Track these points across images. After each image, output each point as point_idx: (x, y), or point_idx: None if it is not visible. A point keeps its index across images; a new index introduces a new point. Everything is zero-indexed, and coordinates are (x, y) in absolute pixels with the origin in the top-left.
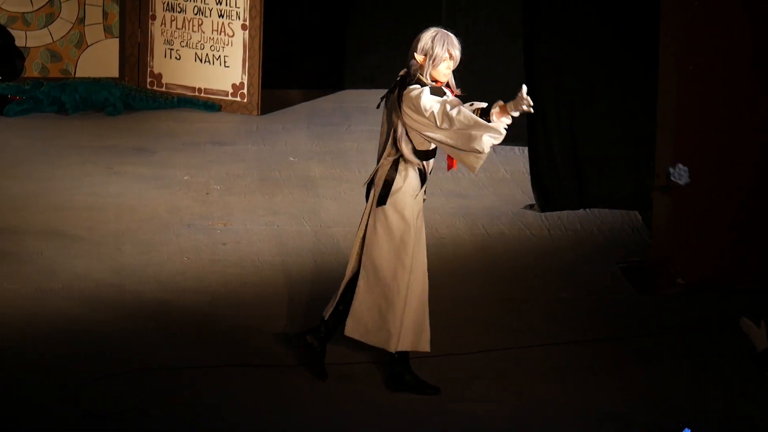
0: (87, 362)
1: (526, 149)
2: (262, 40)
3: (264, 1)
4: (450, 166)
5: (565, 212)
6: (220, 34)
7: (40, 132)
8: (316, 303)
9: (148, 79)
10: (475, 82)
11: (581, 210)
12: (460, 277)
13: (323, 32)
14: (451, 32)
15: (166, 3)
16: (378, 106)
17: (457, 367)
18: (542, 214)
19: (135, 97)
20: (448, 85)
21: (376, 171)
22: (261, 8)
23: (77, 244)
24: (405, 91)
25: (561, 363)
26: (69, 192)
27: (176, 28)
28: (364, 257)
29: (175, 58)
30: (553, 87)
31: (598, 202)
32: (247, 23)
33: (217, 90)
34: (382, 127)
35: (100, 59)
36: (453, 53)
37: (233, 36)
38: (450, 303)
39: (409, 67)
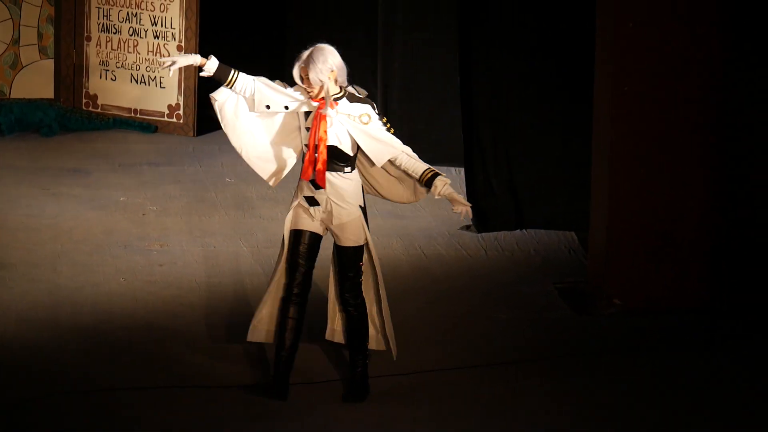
0: (23, 383)
1: (462, 170)
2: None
3: (200, 22)
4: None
5: (501, 233)
6: (156, 54)
7: None
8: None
9: (84, 100)
10: (416, 101)
11: (518, 231)
12: (397, 296)
13: (258, 53)
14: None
15: (101, 24)
16: None
17: (394, 388)
18: (479, 234)
19: (70, 118)
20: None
21: None
22: (196, 29)
23: (13, 266)
24: None
25: (497, 382)
26: (4, 213)
27: (111, 49)
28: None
29: (111, 79)
30: (488, 108)
31: (534, 223)
32: (183, 44)
33: (153, 111)
34: None
35: (35, 80)
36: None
37: (169, 56)
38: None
39: None
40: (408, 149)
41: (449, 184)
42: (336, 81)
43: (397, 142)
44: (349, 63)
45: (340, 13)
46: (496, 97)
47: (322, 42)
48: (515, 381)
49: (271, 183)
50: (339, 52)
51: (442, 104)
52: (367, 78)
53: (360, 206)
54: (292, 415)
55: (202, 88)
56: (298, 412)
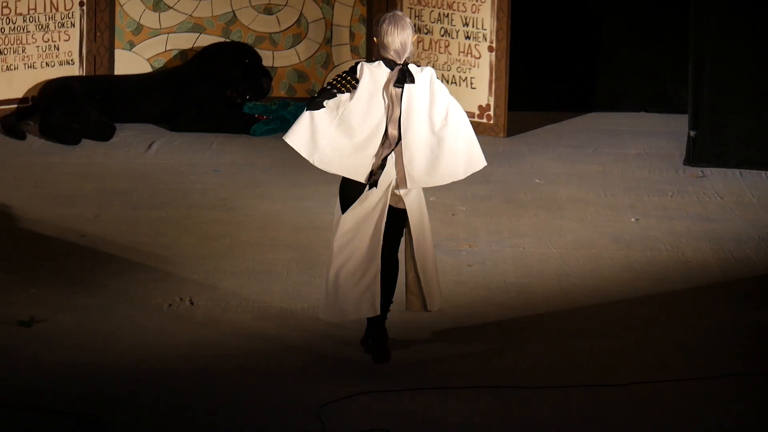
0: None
1: None
2: (508, 62)
3: (510, 24)
4: None
5: None
6: (467, 55)
7: (286, 152)
8: (562, 325)
9: None
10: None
11: None
12: (705, 300)
13: (569, 55)
14: None
15: (412, 25)
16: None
17: (704, 390)
18: None
19: None
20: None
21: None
22: (507, 30)
23: (321, 264)
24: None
25: None
26: (313, 212)
27: (423, 49)
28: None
29: None
30: None
31: None
32: (494, 45)
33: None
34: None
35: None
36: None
37: (480, 58)
38: (690, 325)
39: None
40: None
41: None
42: None
43: None
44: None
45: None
46: None
47: None
48: None
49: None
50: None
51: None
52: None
53: None
54: None
55: (513, 89)
56: None
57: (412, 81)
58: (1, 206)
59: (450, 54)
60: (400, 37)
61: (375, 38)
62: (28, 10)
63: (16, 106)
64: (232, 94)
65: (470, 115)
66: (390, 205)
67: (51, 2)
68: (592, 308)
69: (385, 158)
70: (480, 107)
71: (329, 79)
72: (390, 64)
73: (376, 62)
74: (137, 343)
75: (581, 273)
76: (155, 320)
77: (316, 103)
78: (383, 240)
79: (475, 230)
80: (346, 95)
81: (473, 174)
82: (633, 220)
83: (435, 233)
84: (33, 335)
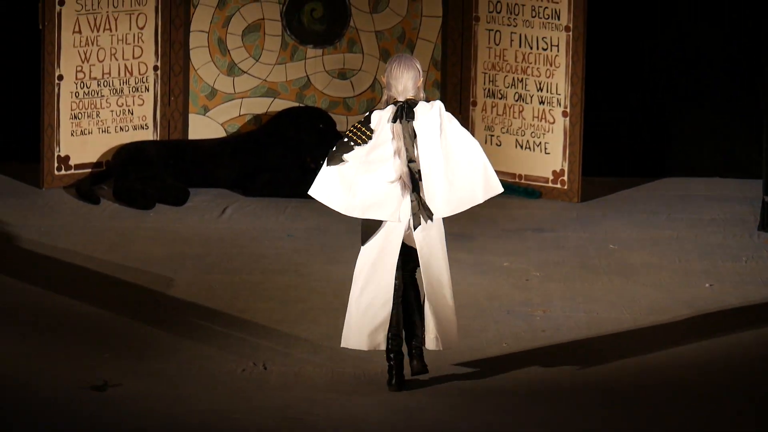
0: None
1: None
2: (582, 127)
3: (584, 89)
4: None
5: None
6: (541, 120)
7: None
8: (635, 392)
9: None
10: None
11: None
12: None
13: (642, 119)
14: None
15: (486, 89)
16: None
17: None
18: None
19: None
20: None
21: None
22: (582, 95)
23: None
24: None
25: None
26: None
27: (497, 114)
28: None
29: (496, 144)
30: None
31: None
32: (568, 110)
33: (538, 176)
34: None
35: None
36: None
37: (554, 123)
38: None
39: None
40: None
41: None
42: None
43: None
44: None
45: None
46: None
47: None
48: None
49: None
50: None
51: None
52: None
53: None
54: None
55: (586, 154)
56: None
57: (411, 117)
58: (75, 271)
59: (524, 119)
60: (403, 78)
61: (383, 79)
62: (103, 74)
63: (90, 170)
64: (308, 159)
65: (544, 180)
66: (404, 243)
67: (126, 67)
68: (667, 374)
69: (410, 192)
70: (554, 172)
71: (347, 130)
72: (395, 104)
73: (388, 107)
74: (210, 408)
75: (655, 338)
76: (228, 385)
77: (336, 159)
78: (403, 275)
79: (549, 295)
80: (366, 146)
81: (547, 239)
82: (707, 285)
83: (509, 298)
84: (106, 400)
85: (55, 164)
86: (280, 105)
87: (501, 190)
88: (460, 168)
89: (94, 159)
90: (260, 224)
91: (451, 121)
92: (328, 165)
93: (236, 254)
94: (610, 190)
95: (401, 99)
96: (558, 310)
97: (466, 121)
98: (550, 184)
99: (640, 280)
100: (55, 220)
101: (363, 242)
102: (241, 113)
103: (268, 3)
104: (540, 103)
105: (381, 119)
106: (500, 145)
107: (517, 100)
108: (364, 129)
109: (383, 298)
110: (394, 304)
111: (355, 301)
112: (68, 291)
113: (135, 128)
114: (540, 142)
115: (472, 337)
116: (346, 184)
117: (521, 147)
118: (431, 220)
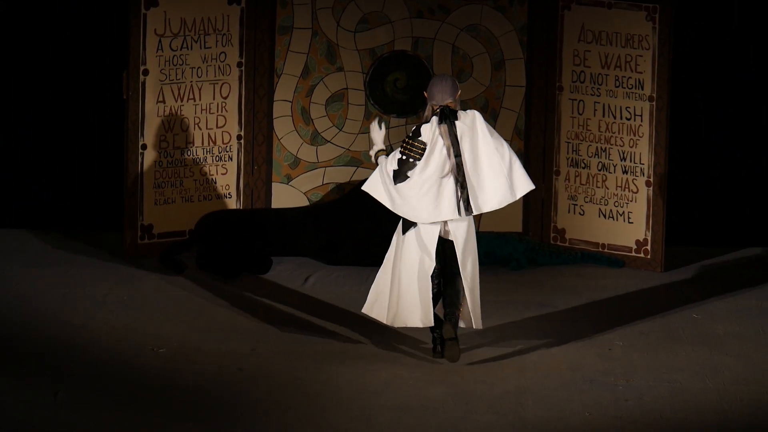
0: None
1: None
2: (665, 196)
3: (668, 159)
4: None
5: None
6: (624, 190)
7: None
8: None
9: (552, 234)
10: None
11: None
12: None
13: (727, 188)
14: None
15: (570, 159)
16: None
17: None
18: None
19: (539, 252)
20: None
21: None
22: (665, 165)
23: (477, 399)
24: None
25: None
26: (469, 347)
27: (580, 183)
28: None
29: (579, 213)
30: None
31: None
32: (651, 179)
33: (621, 246)
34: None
35: (504, 214)
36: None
37: (637, 192)
38: None
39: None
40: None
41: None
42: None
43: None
44: None
45: None
46: None
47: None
48: None
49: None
50: None
51: None
52: None
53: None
54: None
55: (670, 224)
56: None
57: (455, 118)
58: (157, 339)
59: (607, 188)
60: (440, 90)
61: (426, 94)
62: (186, 143)
63: (173, 239)
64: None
65: (627, 249)
66: (440, 236)
67: (209, 136)
68: None
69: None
70: (637, 242)
71: (400, 149)
72: (436, 112)
73: (433, 117)
74: None
75: (739, 409)
76: None
77: (402, 176)
78: (441, 262)
79: (631, 365)
80: (422, 160)
81: (631, 309)
82: None
83: (591, 368)
84: None
85: (139, 233)
86: (363, 174)
87: (533, 186)
88: (497, 170)
89: (177, 228)
90: (343, 293)
91: (486, 127)
92: (396, 184)
93: (318, 323)
94: (693, 259)
95: (443, 104)
96: (641, 379)
97: (549, 191)
98: (633, 254)
99: (724, 350)
100: (138, 290)
101: (403, 231)
102: (324, 182)
103: (352, 72)
104: (623, 173)
105: (430, 129)
106: (583, 214)
107: (600, 170)
108: (416, 144)
109: (424, 279)
110: (434, 283)
111: (404, 283)
112: (156, 361)
113: (218, 197)
114: (623, 212)
115: (555, 408)
116: (412, 198)
117: (604, 216)
118: (472, 212)
